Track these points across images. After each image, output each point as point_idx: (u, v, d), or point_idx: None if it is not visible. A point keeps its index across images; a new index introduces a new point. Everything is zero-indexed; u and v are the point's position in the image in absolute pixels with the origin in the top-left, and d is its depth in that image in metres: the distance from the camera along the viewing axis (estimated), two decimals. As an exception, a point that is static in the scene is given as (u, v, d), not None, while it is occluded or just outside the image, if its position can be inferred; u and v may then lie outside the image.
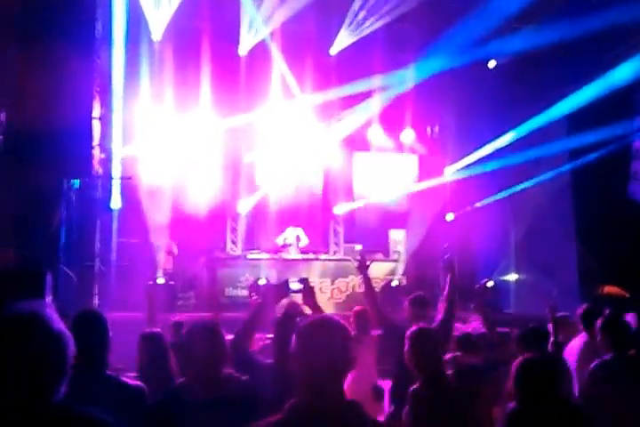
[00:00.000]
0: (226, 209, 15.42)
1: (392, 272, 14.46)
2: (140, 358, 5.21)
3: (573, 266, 13.37)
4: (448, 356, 5.91)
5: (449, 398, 4.41)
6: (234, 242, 15.35)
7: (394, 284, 14.06)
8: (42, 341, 2.10)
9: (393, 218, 16.08)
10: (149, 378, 4.34)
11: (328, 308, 11.23)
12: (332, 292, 13.75)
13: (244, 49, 14.26)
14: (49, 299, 8.42)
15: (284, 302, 4.51)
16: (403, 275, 14.55)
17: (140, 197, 13.90)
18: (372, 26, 13.85)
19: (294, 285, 4.32)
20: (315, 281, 12.35)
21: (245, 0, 13.73)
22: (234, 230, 15.41)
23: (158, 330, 5.54)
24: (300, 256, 14.31)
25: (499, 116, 15.02)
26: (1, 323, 2.11)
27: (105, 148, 12.94)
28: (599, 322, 5.58)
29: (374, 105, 15.14)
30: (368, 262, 6.27)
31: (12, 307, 2.16)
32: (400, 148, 16.39)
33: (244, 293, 12.96)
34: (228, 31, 13.92)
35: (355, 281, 13.46)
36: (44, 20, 10.89)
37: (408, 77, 14.46)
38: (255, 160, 15.74)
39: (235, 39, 14.08)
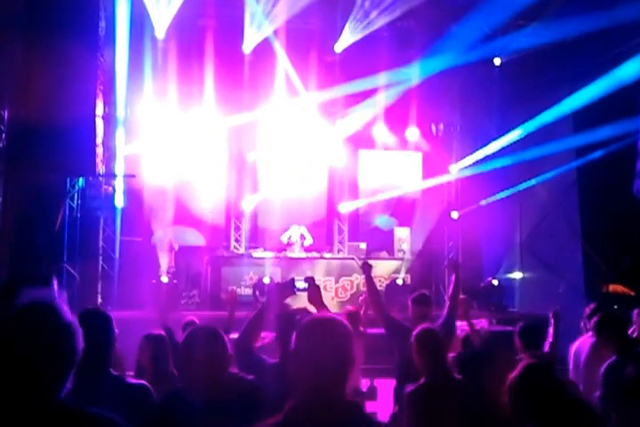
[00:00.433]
0: (230, 207, 15.40)
1: (397, 271, 14.42)
2: (141, 359, 5.18)
3: (579, 264, 13.33)
4: (451, 355, 5.89)
5: (455, 396, 4.43)
6: (237, 240, 15.32)
7: (399, 282, 14.02)
8: (55, 331, 2.11)
9: (397, 216, 16.05)
10: (148, 380, 4.30)
11: (332, 306, 11.21)
12: (336, 290, 13.74)
13: (248, 47, 14.21)
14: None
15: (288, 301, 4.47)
16: (407, 273, 14.49)
17: (143, 196, 13.88)
18: (376, 23, 13.78)
19: (300, 283, 4.27)
20: (319, 280, 12.30)
21: (249, -3, 13.71)
22: (238, 229, 15.38)
23: (161, 332, 5.50)
24: (304, 255, 14.28)
25: (504, 113, 14.98)
26: (16, 312, 2.11)
27: (108, 146, 12.92)
28: (592, 322, 5.59)
29: (379, 102, 15.07)
30: (372, 263, 6.28)
31: (25, 297, 2.17)
32: (405, 145, 16.33)
33: (249, 291, 12.92)
34: (232, 29, 13.86)
35: (359, 280, 13.45)
36: (48, 19, 10.89)
37: (413, 75, 14.41)
38: (259, 158, 15.70)
39: (239, 37, 14.02)
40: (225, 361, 3.50)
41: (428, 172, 16.40)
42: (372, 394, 7.35)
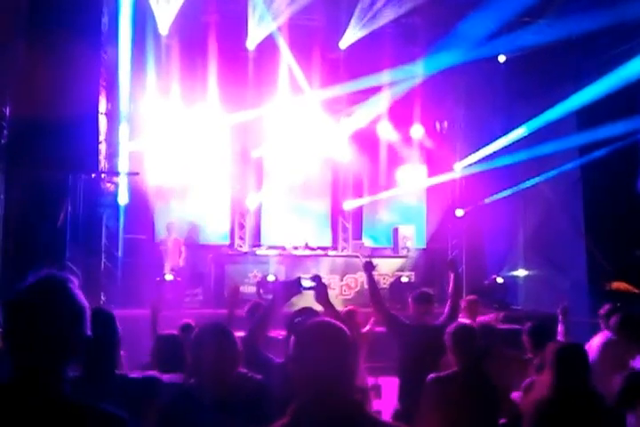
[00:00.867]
0: (233, 205, 15.37)
1: (401, 268, 14.39)
2: (154, 359, 5.14)
3: (582, 262, 13.30)
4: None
5: (484, 386, 4.67)
6: (242, 238, 15.28)
7: (403, 280, 13.97)
8: (67, 313, 2.12)
9: (402, 214, 16.03)
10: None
11: (337, 304, 11.16)
12: (340, 288, 13.70)
13: (251, 43, 14.16)
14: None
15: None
16: (412, 271, 14.46)
17: (146, 193, 13.86)
18: (381, 20, 13.73)
19: (306, 282, 4.23)
20: (323, 277, 12.26)
21: (253, -7, 13.67)
22: (242, 226, 15.35)
23: (174, 332, 5.47)
24: (308, 252, 14.25)
25: (508, 111, 14.95)
26: (32, 287, 2.11)
27: (111, 143, 12.89)
28: (613, 321, 5.60)
29: (383, 100, 15.04)
30: (374, 263, 6.31)
31: (38, 275, 2.15)
32: (409, 143, 16.28)
33: (253, 289, 12.89)
34: (235, 25, 13.81)
35: (363, 277, 13.40)
36: (51, 15, 10.86)
37: (418, 72, 14.38)
38: (263, 156, 15.66)
39: (242, 33, 13.98)
40: (235, 360, 3.46)
41: (433, 169, 16.36)
42: (376, 392, 7.34)
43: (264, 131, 15.37)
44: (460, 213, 16.06)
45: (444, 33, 13.19)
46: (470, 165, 15.73)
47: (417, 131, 16.20)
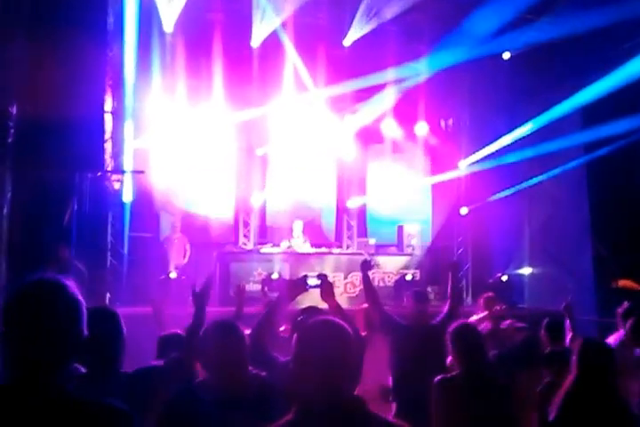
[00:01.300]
0: (238, 203, 15.38)
1: (406, 266, 14.38)
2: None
3: (588, 260, 13.29)
4: (492, 352, 5.87)
5: (488, 389, 4.59)
6: (246, 236, 15.29)
7: (408, 278, 13.97)
8: (67, 308, 2.14)
9: (407, 212, 16.03)
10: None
11: (341, 302, 11.16)
12: (345, 286, 13.70)
13: (256, 41, 14.16)
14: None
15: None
16: (417, 269, 14.45)
17: (151, 191, 13.88)
18: (385, 17, 13.70)
19: (312, 280, 4.25)
20: (328, 275, 12.27)
21: (257, -9, 13.67)
22: (246, 224, 15.35)
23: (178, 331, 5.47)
24: (313, 250, 14.24)
25: (513, 108, 14.93)
26: (31, 287, 2.15)
27: (117, 141, 12.91)
28: (629, 324, 5.65)
29: (388, 97, 15.03)
30: (372, 262, 6.33)
31: (37, 275, 2.19)
32: (414, 141, 16.27)
33: (257, 287, 12.89)
34: (240, 22, 13.81)
35: (369, 275, 13.40)
36: (56, 13, 10.86)
37: (422, 69, 14.38)
38: (268, 154, 15.67)
39: (247, 31, 13.97)
40: (243, 358, 3.47)
41: (438, 167, 16.35)
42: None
43: (269, 129, 15.37)
44: (464, 211, 16.05)
45: (449, 30, 13.17)
46: (475, 162, 15.71)
47: (421, 128, 16.18)
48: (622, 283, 12.13)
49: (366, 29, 14.05)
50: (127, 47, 12.58)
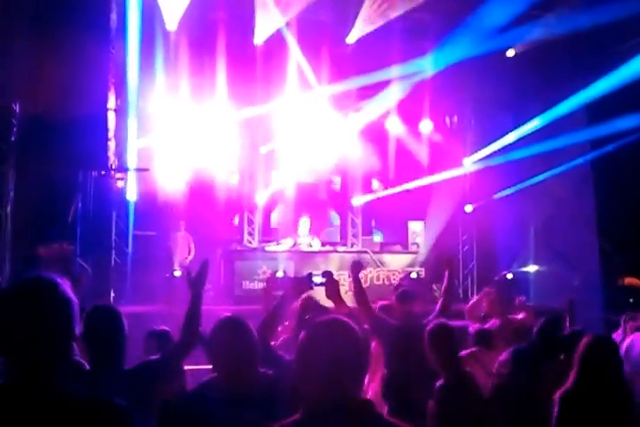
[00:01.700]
0: (242, 201, 15.35)
1: (411, 264, 14.35)
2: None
3: (594, 257, 13.27)
4: (465, 352, 5.85)
5: (468, 395, 4.54)
6: (251, 234, 15.27)
7: (413, 276, 13.93)
8: (63, 306, 2.14)
9: (412, 209, 15.99)
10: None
11: (346, 300, 11.14)
12: (349, 284, 13.65)
13: (259, 38, 14.13)
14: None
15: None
16: (422, 267, 14.41)
17: (156, 189, 13.85)
18: (389, 14, 13.67)
19: (317, 278, 4.22)
20: (333, 273, 12.25)
21: (261, -12, 13.63)
22: (251, 222, 15.33)
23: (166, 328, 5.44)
24: (317, 248, 14.21)
25: (518, 105, 14.89)
26: (21, 285, 2.15)
27: (120, 139, 12.89)
28: None
29: (392, 95, 14.99)
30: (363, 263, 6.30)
31: (29, 274, 2.19)
32: (419, 138, 16.24)
33: (262, 285, 12.87)
34: (243, 20, 13.78)
35: (373, 273, 13.41)
36: (59, 11, 10.87)
37: (426, 67, 14.33)
38: (272, 151, 15.63)
39: (250, 29, 13.94)
40: (252, 356, 3.44)
41: (442, 165, 16.31)
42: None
43: (273, 127, 15.34)
44: (468, 208, 16.02)
45: (453, 27, 13.13)
46: (480, 160, 15.68)
47: (426, 126, 16.15)
48: (628, 281, 12.12)
49: (371, 26, 14.01)
50: (130, 45, 12.56)
